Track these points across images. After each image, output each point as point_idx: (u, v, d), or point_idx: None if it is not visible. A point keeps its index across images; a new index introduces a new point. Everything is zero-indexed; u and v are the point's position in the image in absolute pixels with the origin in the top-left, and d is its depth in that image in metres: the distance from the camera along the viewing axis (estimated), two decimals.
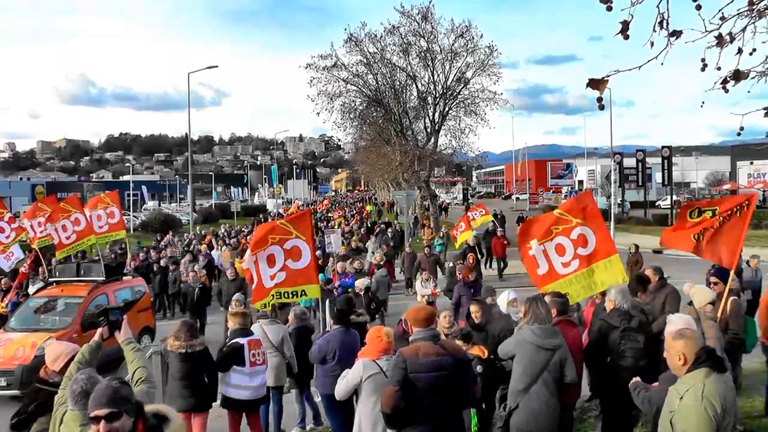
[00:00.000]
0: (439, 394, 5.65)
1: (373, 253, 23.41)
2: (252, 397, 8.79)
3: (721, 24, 4.29)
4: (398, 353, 5.84)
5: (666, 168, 52.00)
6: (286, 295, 9.93)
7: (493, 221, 27.12)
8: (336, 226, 36.62)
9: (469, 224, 23.71)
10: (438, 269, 21.45)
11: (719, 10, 4.32)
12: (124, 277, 16.48)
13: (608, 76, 4.42)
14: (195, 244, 30.95)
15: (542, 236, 8.49)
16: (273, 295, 9.82)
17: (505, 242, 24.90)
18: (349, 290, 14.96)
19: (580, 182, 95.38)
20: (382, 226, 35.99)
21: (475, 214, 24.51)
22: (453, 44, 41.79)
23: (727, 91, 4.65)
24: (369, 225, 41.96)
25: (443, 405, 5.72)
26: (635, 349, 7.14)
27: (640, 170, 54.09)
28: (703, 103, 5.37)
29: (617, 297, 7.66)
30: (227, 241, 30.39)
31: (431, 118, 44.68)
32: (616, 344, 7.15)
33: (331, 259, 21.31)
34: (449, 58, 42.30)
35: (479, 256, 22.57)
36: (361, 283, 14.54)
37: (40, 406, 5.37)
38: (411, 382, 5.55)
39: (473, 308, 9.24)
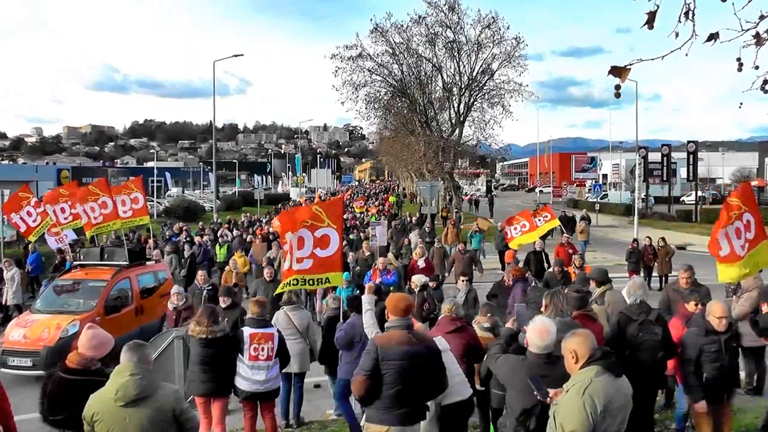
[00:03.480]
0: (407, 382, 5.79)
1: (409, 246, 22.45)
2: (253, 389, 8.68)
3: (759, 22, 4.23)
4: (371, 342, 6.05)
5: (691, 163, 51.54)
6: (310, 282, 9.97)
7: (560, 226, 23.34)
8: (373, 219, 34.95)
9: (534, 225, 19.93)
10: (474, 269, 18.76)
11: (760, 15, 4.26)
12: (147, 262, 16.64)
13: (631, 65, 4.39)
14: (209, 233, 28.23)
15: (725, 222, 8.86)
16: (298, 280, 9.83)
17: (571, 251, 19.33)
18: (392, 288, 14.28)
19: (605, 176, 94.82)
20: (409, 218, 35.27)
21: (539, 219, 20.25)
22: (479, 35, 41.84)
23: (766, 92, 4.59)
24: (390, 217, 41.54)
25: (411, 393, 5.85)
26: (653, 341, 7.12)
27: (665, 165, 53.59)
28: (741, 104, 5.27)
29: (630, 291, 7.66)
30: (244, 233, 27.84)
31: (456, 109, 44.69)
32: (635, 337, 7.13)
33: (351, 254, 19.16)
34: (475, 49, 42.29)
35: (546, 265, 18.51)
36: (417, 280, 13.10)
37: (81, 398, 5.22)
38: (382, 370, 5.76)
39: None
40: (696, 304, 8.29)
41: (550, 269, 14.75)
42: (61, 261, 20.08)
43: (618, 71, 4.37)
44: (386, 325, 6.16)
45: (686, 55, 4.31)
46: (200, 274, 14.88)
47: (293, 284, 9.88)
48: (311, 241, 9.74)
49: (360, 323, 8.62)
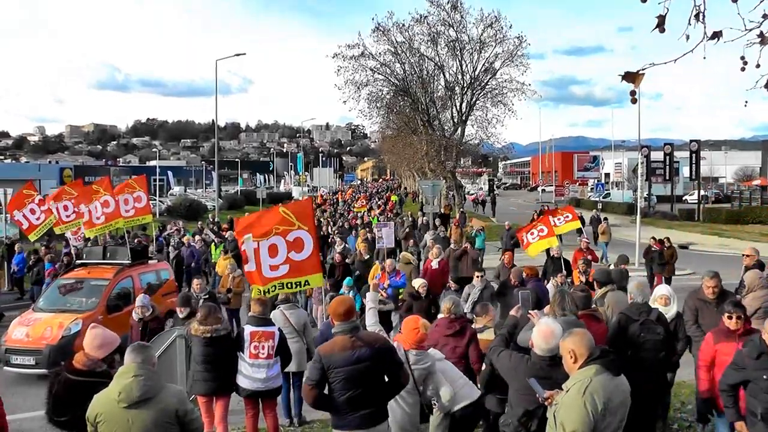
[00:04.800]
0: (359, 385, 5.82)
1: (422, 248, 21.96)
2: (255, 388, 8.69)
3: (762, 21, 4.21)
4: (316, 352, 6.10)
5: (694, 162, 51.48)
6: (289, 285, 10.04)
7: (580, 228, 21.42)
8: (375, 221, 33.90)
9: (552, 229, 17.63)
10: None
11: (757, 6, 4.24)
12: (150, 261, 16.65)
13: (644, 70, 4.37)
14: (206, 232, 27.18)
15: None
16: (276, 286, 9.91)
17: (590, 257, 17.32)
18: (401, 291, 14.04)
19: (607, 175, 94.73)
20: (411, 218, 34.95)
21: (559, 219, 18.11)
22: (482, 34, 41.64)
23: None
24: (394, 216, 41.35)
25: (365, 396, 5.86)
26: (655, 340, 7.11)
27: (667, 164, 53.57)
28: (746, 102, 5.27)
29: (633, 291, 7.65)
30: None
31: (458, 108, 44.56)
32: (636, 336, 7.12)
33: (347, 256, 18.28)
34: (477, 48, 42.16)
35: (564, 272, 15.80)
36: (421, 285, 12.62)
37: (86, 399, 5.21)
38: (330, 377, 5.82)
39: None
40: (730, 317, 6.95)
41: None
42: (36, 261, 20.03)
43: (631, 77, 4.35)
44: (332, 331, 6.14)
45: (704, 58, 4.28)
46: (196, 283, 13.51)
47: (272, 290, 9.93)
48: (284, 247, 9.83)
49: None
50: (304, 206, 10.73)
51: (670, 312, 8.11)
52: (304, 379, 6.03)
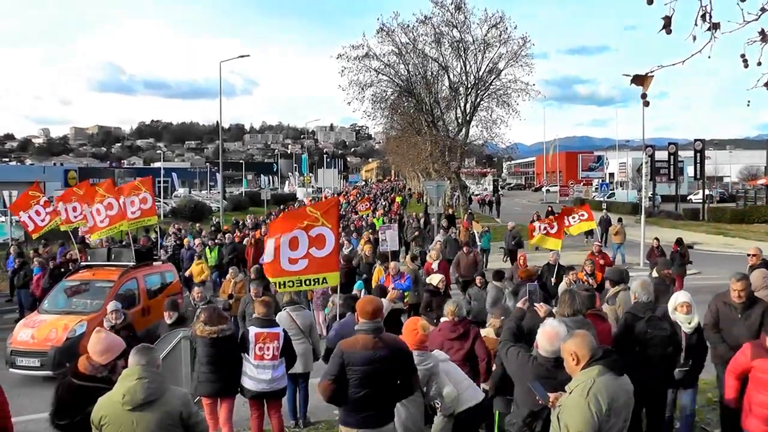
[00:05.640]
0: (374, 385, 5.85)
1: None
2: (260, 389, 8.69)
3: (760, 14, 4.19)
4: (337, 347, 6.10)
5: (698, 161, 51.36)
6: (307, 282, 9.99)
7: (591, 230, 20.10)
8: (379, 222, 33.24)
9: (561, 231, 16.78)
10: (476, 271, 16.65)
11: (761, 8, 4.22)
12: (154, 263, 16.65)
13: (652, 72, 4.35)
14: (204, 234, 27.31)
15: None
16: (294, 282, 9.85)
17: (603, 261, 16.22)
18: (406, 294, 14.01)
19: (611, 175, 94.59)
20: (416, 219, 34.76)
21: (573, 218, 17.05)
22: (486, 35, 41.65)
23: None
24: (398, 217, 41.14)
25: (376, 397, 5.90)
26: (662, 336, 7.09)
27: (672, 163, 53.48)
28: (749, 102, 5.21)
29: (637, 290, 7.63)
30: (237, 237, 25.20)
31: (462, 108, 44.56)
32: (643, 333, 7.09)
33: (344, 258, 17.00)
34: (482, 48, 42.16)
35: (556, 279, 14.51)
36: (439, 281, 12.66)
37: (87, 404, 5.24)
38: (347, 374, 5.85)
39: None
40: None
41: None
42: (21, 265, 19.88)
43: (640, 80, 4.34)
44: (355, 328, 6.18)
45: (709, 57, 4.25)
46: (196, 291, 13.16)
47: (289, 285, 9.90)
48: (306, 242, 9.76)
49: (353, 322, 8.66)
50: (330, 204, 10.70)
51: (693, 321, 7.56)
52: (322, 374, 6.01)
